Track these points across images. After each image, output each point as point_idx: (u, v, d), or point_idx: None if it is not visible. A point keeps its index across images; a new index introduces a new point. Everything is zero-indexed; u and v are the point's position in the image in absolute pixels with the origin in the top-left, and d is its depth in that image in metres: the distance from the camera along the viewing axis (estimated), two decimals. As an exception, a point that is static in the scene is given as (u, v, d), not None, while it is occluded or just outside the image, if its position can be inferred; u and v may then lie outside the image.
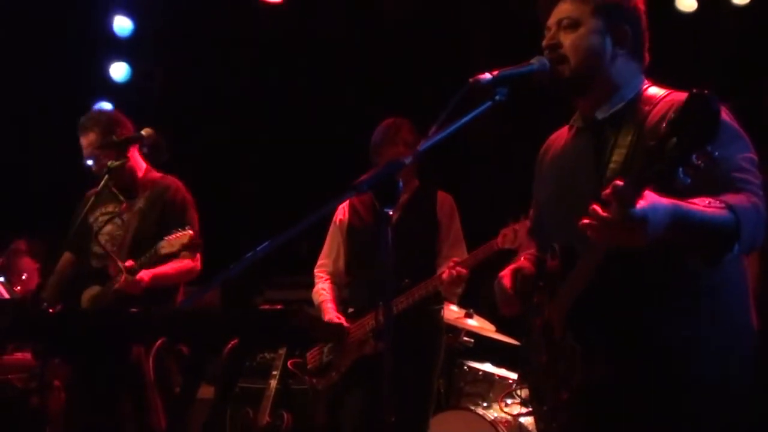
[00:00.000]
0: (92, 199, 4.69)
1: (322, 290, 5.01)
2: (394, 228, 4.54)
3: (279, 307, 4.12)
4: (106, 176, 4.65)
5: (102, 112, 5.09)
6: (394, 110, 4.95)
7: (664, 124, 2.12)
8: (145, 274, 4.57)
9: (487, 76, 2.51)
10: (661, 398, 2.49)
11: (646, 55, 2.79)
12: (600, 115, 2.72)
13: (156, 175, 5.02)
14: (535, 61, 2.68)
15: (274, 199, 4.69)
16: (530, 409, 4.95)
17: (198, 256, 4.88)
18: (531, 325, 2.83)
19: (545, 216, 2.94)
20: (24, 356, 4.96)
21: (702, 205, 2.28)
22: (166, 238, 4.56)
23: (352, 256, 5.02)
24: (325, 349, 4.84)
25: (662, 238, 2.22)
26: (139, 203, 4.84)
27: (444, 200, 4.97)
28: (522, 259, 2.98)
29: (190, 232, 4.55)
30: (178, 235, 4.54)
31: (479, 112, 2.47)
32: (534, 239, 3.10)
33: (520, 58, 2.69)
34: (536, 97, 2.75)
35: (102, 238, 4.77)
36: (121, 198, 4.82)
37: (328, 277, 5.05)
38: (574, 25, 2.69)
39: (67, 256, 5.13)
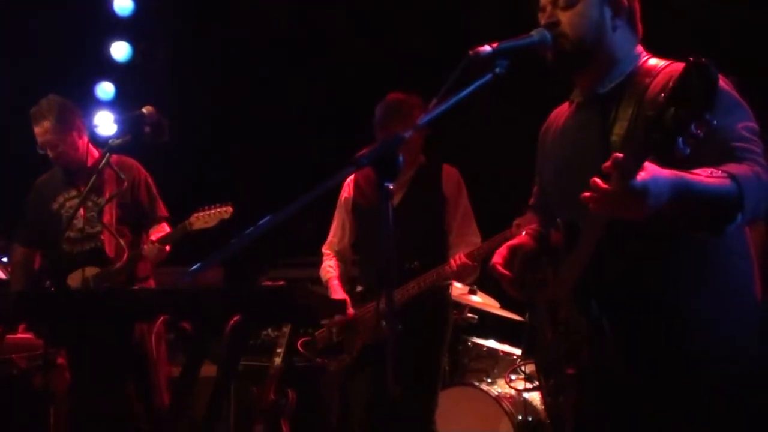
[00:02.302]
0: (88, 187, 4.73)
1: (329, 267, 4.95)
2: (399, 207, 4.57)
3: (281, 283, 4.14)
4: (107, 155, 4.67)
5: (52, 99, 5.12)
6: (393, 84, 4.92)
7: (662, 94, 2.10)
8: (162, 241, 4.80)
9: (487, 48, 2.49)
10: (666, 370, 2.49)
11: (640, 26, 2.78)
12: (600, 89, 2.70)
13: (114, 156, 5.07)
14: (536, 34, 2.66)
15: (277, 176, 4.67)
16: (534, 384, 4.97)
17: (166, 226, 5.07)
18: (535, 301, 2.83)
19: (549, 192, 2.93)
20: (28, 336, 4.98)
21: (704, 175, 2.27)
22: (195, 214, 4.79)
23: (359, 234, 4.98)
24: (334, 330, 4.79)
25: (664, 210, 2.21)
26: (110, 185, 4.94)
27: (450, 174, 4.84)
28: (523, 234, 2.97)
29: (230, 208, 4.79)
30: (217, 210, 4.68)
31: (479, 85, 2.45)
32: (536, 215, 3.09)
33: (520, 30, 2.68)
34: (537, 70, 2.74)
35: (78, 223, 4.84)
36: (122, 176, 4.85)
37: (334, 255, 5.00)
38: (571, 1, 2.67)
39: (20, 249, 5.17)
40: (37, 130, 5.04)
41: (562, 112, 2.94)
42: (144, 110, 4.77)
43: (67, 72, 7.14)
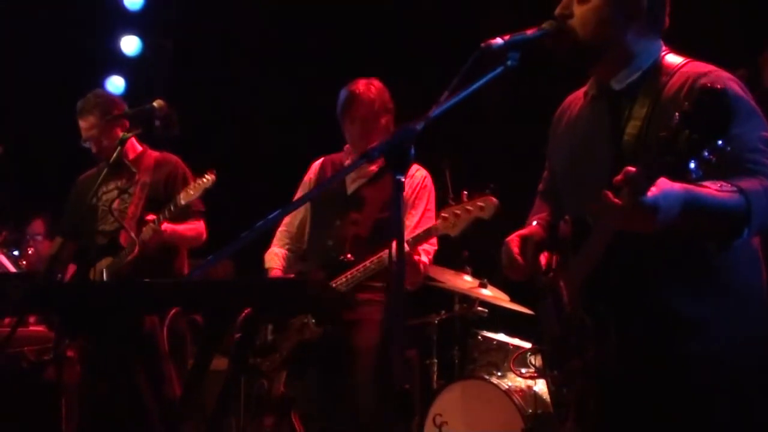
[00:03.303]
0: (100, 178, 4.75)
1: (275, 256, 4.68)
2: (351, 197, 4.48)
3: (291, 276, 4.15)
4: (119, 147, 4.70)
5: (99, 94, 5.16)
6: (404, 75, 4.91)
7: (677, 114, 2.06)
8: (166, 226, 4.74)
9: (499, 41, 2.48)
10: (672, 374, 2.48)
11: (666, 20, 2.71)
12: (616, 85, 2.67)
13: (154, 153, 5.14)
14: (547, 26, 2.65)
15: (285, 170, 4.67)
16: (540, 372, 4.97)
17: (203, 222, 4.99)
18: (543, 294, 2.83)
19: (559, 182, 2.91)
20: (38, 329, 5.00)
21: (714, 188, 2.27)
22: (183, 190, 4.73)
23: (311, 221, 4.69)
24: (269, 328, 4.48)
25: (673, 224, 2.21)
26: (144, 177, 4.91)
27: (414, 175, 4.50)
28: (534, 224, 2.96)
29: (213, 176, 4.68)
30: (198, 181, 4.65)
31: (491, 78, 2.45)
32: (546, 202, 3.08)
33: (532, 23, 2.67)
34: (548, 61, 2.73)
35: (112, 215, 4.85)
36: (134, 169, 4.87)
37: (287, 241, 4.73)
38: None
39: (63, 242, 5.19)
40: (82, 124, 5.08)
41: (576, 100, 2.90)
42: (155, 104, 4.79)
43: (78, 66, 7.16)
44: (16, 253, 6.07)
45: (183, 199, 4.72)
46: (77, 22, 7.32)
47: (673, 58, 2.65)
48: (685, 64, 2.60)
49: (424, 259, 4.36)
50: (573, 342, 2.59)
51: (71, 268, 5.24)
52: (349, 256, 4.29)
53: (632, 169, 2.14)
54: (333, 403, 4.33)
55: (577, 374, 2.62)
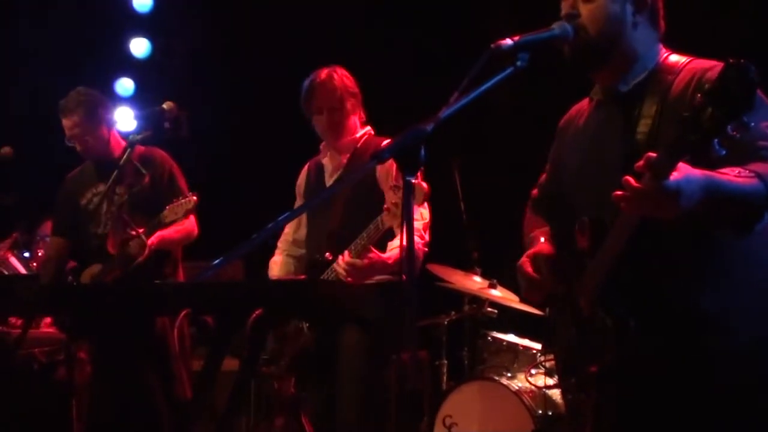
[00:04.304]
0: (111, 180, 4.75)
1: (273, 264, 4.62)
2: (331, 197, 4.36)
3: (302, 277, 4.15)
4: (128, 150, 4.70)
5: (83, 92, 5.13)
6: (412, 78, 4.90)
7: (698, 95, 2.09)
8: (153, 239, 4.71)
9: (508, 41, 2.48)
10: (694, 371, 2.48)
11: (662, 23, 2.76)
12: (622, 87, 2.69)
13: (140, 149, 5.07)
14: (557, 27, 2.65)
15: (296, 171, 4.67)
16: (555, 379, 4.96)
17: (192, 218, 4.96)
18: (557, 300, 2.83)
19: (570, 190, 2.90)
20: (49, 330, 5.01)
21: (732, 175, 2.29)
22: (167, 206, 4.71)
23: (307, 225, 4.57)
24: (270, 337, 4.38)
25: (695, 209, 2.23)
26: (128, 178, 4.91)
27: (390, 169, 4.18)
28: (540, 240, 2.96)
29: (194, 198, 4.62)
30: (181, 201, 4.64)
31: (501, 79, 2.45)
32: (540, 213, 3.09)
33: (541, 24, 2.67)
34: (556, 64, 2.73)
35: (103, 218, 4.85)
36: (144, 171, 4.87)
37: (284, 247, 4.64)
38: None
39: (58, 241, 5.19)
40: (65, 122, 5.07)
41: (582, 109, 2.93)
42: (164, 106, 4.81)
43: (87, 68, 7.17)
44: (27, 255, 6.09)
45: (167, 218, 4.71)
46: (87, 25, 7.33)
47: (676, 58, 2.69)
48: (689, 62, 2.64)
49: (393, 253, 4.07)
50: (591, 346, 2.60)
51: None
52: (327, 255, 4.19)
53: (653, 154, 2.15)
54: (329, 406, 4.26)
55: (594, 380, 2.63)
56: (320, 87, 4.34)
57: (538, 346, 5.31)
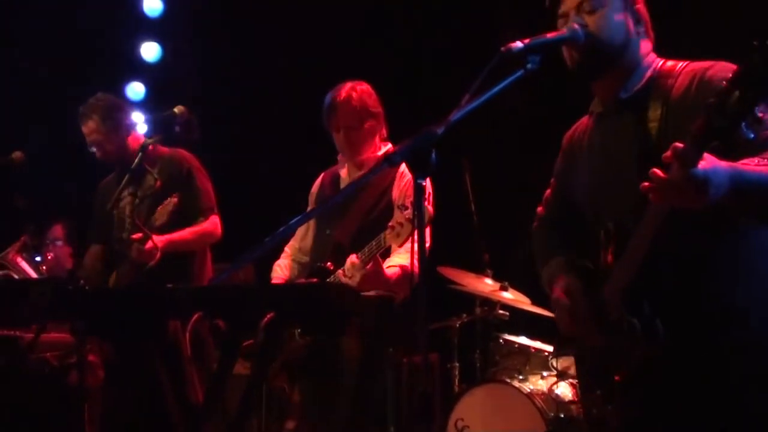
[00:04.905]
0: (123, 181, 4.76)
1: (277, 267, 4.58)
2: (339, 205, 4.32)
3: (315, 280, 4.14)
4: (140, 154, 4.71)
5: (99, 98, 5.14)
6: (425, 81, 4.90)
7: (723, 81, 2.10)
8: (157, 240, 4.65)
9: (519, 44, 2.51)
10: (723, 363, 2.49)
11: (651, 33, 2.83)
12: (624, 94, 2.74)
13: (163, 150, 5.09)
14: (567, 30, 2.68)
15: (308, 175, 4.67)
16: (567, 381, 4.96)
17: (213, 218, 4.94)
18: (580, 314, 2.83)
19: (587, 207, 2.93)
20: (61, 335, 5.02)
21: (753, 164, 2.32)
22: (158, 208, 4.69)
23: (314, 232, 4.53)
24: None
25: (722, 200, 2.24)
26: (149, 180, 4.91)
27: (402, 178, 4.24)
28: (563, 278, 2.93)
29: (174, 199, 4.64)
30: (164, 203, 4.62)
31: (511, 81, 2.46)
32: (548, 231, 3.14)
33: (550, 27, 2.69)
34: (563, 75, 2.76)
35: (127, 223, 4.86)
36: (156, 176, 4.88)
37: (290, 252, 4.61)
38: (596, 6, 2.72)
39: (95, 248, 5.21)
40: (84, 129, 5.09)
41: (582, 127, 2.98)
42: (175, 110, 4.81)
43: (98, 72, 7.20)
44: (38, 259, 6.10)
45: (157, 220, 4.69)
46: (97, 29, 7.35)
47: (671, 63, 2.75)
48: (686, 65, 2.71)
49: (394, 271, 4.03)
50: (618, 351, 2.61)
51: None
52: (329, 264, 4.13)
53: (680, 144, 2.17)
54: (323, 412, 4.21)
55: (619, 388, 2.63)
56: (339, 106, 4.30)
57: (550, 348, 5.32)
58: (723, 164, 2.23)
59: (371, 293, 4.00)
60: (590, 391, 2.83)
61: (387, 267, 4.00)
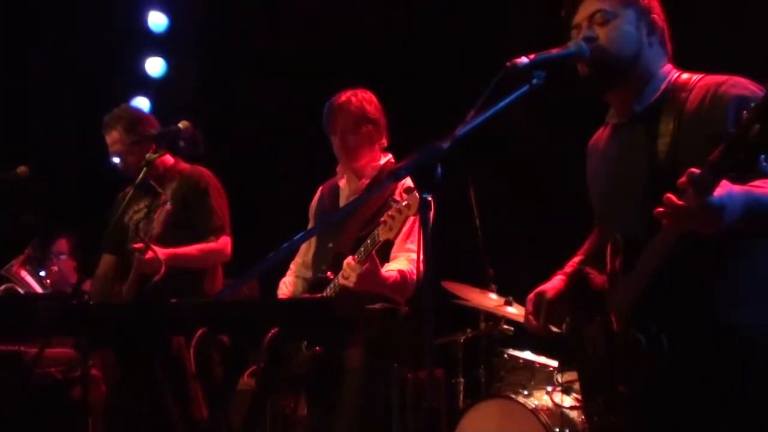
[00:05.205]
0: (128, 197, 4.74)
1: (283, 284, 4.52)
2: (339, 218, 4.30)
3: (318, 295, 4.13)
4: (144, 169, 4.69)
5: (124, 109, 5.15)
6: (430, 95, 4.89)
7: (744, 112, 2.08)
8: (159, 252, 4.61)
9: (524, 60, 2.51)
10: (730, 384, 2.48)
11: (669, 45, 2.82)
12: (637, 107, 2.73)
13: (183, 166, 5.10)
14: (573, 45, 2.68)
15: (311, 191, 4.67)
16: (572, 396, 4.94)
17: (224, 238, 4.93)
18: (582, 319, 2.83)
19: (597, 211, 2.97)
20: (65, 350, 5.02)
21: (765, 188, 2.32)
22: (154, 218, 4.69)
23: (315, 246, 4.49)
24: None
25: (735, 224, 2.24)
26: (168, 195, 4.90)
27: (404, 183, 4.02)
28: (558, 277, 3.03)
29: (168, 207, 4.64)
30: (158, 211, 4.62)
31: (517, 97, 2.46)
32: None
33: (556, 42, 2.69)
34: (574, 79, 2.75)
35: (140, 234, 4.84)
36: (159, 190, 4.87)
37: (294, 268, 4.57)
38: (607, 18, 2.71)
39: (106, 258, 5.20)
40: (107, 139, 5.08)
41: (601, 134, 2.98)
42: (180, 125, 4.80)
43: (103, 87, 7.21)
44: (42, 273, 6.10)
45: (154, 229, 4.67)
46: (102, 44, 7.37)
47: (687, 76, 2.73)
48: (700, 78, 2.68)
49: (392, 274, 3.98)
50: (622, 364, 2.60)
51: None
52: (328, 274, 4.10)
53: (696, 170, 2.15)
54: (328, 427, 4.19)
55: (624, 399, 2.63)
56: (336, 110, 4.30)
57: (554, 363, 5.29)
58: (737, 188, 2.23)
59: (377, 306, 3.98)
60: (592, 398, 2.83)
61: (385, 270, 3.96)
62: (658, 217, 2.27)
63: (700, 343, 2.49)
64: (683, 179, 2.18)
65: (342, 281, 3.89)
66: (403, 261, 4.06)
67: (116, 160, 5.07)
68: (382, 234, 3.76)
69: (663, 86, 2.72)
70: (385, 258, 4.06)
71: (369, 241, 3.82)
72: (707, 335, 2.50)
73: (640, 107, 2.73)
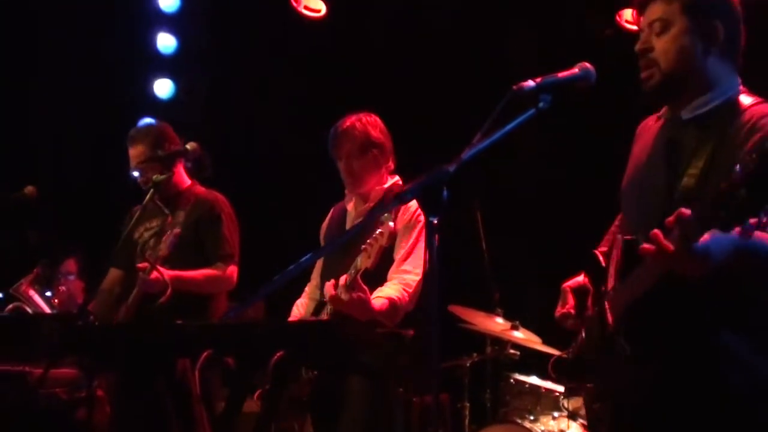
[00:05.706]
0: (137, 214, 4.73)
1: (295, 306, 4.52)
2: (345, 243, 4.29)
3: (325, 318, 4.13)
4: (152, 190, 4.69)
5: (152, 125, 5.16)
6: (435, 119, 4.89)
7: (737, 167, 1.99)
8: (164, 273, 4.60)
9: (531, 83, 2.51)
10: (716, 404, 2.47)
11: (737, 56, 2.74)
12: (685, 114, 2.70)
13: (200, 190, 5.09)
14: (579, 69, 2.67)
15: (318, 213, 4.67)
16: (578, 422, 4.92)
17: (231, 267, 4.91)
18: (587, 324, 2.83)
19: (625, 198, 2.92)
20: (69, 370, 5.00)
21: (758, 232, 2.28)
22: (162, 239, 4.66)
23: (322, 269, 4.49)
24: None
25: (725, 264, 2.23)
26: (179, 218, 4.88)
27: (406, 209, 4.17)
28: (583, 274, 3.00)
29: (177, 230, 4.62)
30: (167, 234, 4.60)
31: (523, 120, 2.46)
32: None
33: (564, 65, 2.69)
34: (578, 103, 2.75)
35: (147, 253, 4.82)
36: (166, 211, 4.87)
37: (308, 290, 4.56)
38: (664, 27, 2.68)
39: (114, 272, 5.19)
40: (131, 152, 5.06)
41: (651, 122, 2.93)
42: (188, 146, 4.80)
43: (111, 109, 7.24)
44: (48, 294, 6.10)
45: (161, 251, 4.62)
46: (111, 66, 7.41)
47: (745, 98, 2.66)
48: (754, 104, 2.62)
49: (379, 303, 3.94)
50: (607, 365, 2.63)
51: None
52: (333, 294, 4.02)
53: (686, 211, 2.13)
54: None
55: (609, 394, 2.66)
56: (342, 134, 4.31)
57: (561, 388, 5.27)
58: (726, 236, 2.17)
59: (383, 330, 3.95)
60: (587, 378, 2.84)
61: (374, 297, 3.93)
62: (642, 253, 2.26)
63: (686, 362, 2.49)
64: (671, 219, 2.16)
65: (332, 305, 3.90)
66: (394, 286, 4.03)
67: (136, 173, 5.05)
68: (362, 262, 3.77)
69: (716, 102, 2.66)
70: (382, 278, 4.06)
71: (353, 270, 3.81)
72: (695, 354, 2.49)
73: (688, 115, 2.69)
